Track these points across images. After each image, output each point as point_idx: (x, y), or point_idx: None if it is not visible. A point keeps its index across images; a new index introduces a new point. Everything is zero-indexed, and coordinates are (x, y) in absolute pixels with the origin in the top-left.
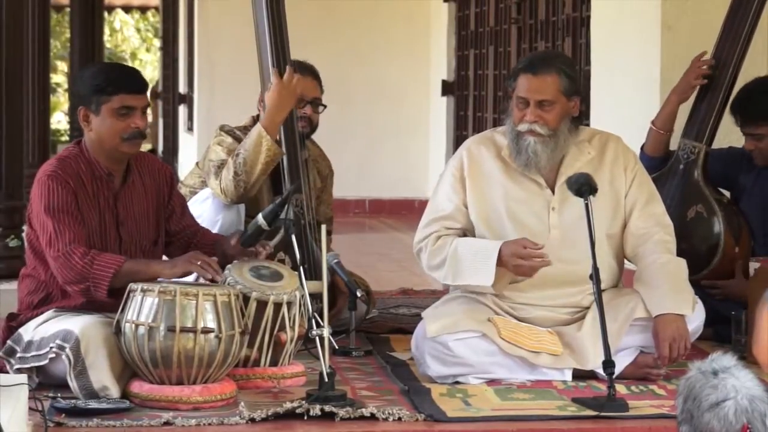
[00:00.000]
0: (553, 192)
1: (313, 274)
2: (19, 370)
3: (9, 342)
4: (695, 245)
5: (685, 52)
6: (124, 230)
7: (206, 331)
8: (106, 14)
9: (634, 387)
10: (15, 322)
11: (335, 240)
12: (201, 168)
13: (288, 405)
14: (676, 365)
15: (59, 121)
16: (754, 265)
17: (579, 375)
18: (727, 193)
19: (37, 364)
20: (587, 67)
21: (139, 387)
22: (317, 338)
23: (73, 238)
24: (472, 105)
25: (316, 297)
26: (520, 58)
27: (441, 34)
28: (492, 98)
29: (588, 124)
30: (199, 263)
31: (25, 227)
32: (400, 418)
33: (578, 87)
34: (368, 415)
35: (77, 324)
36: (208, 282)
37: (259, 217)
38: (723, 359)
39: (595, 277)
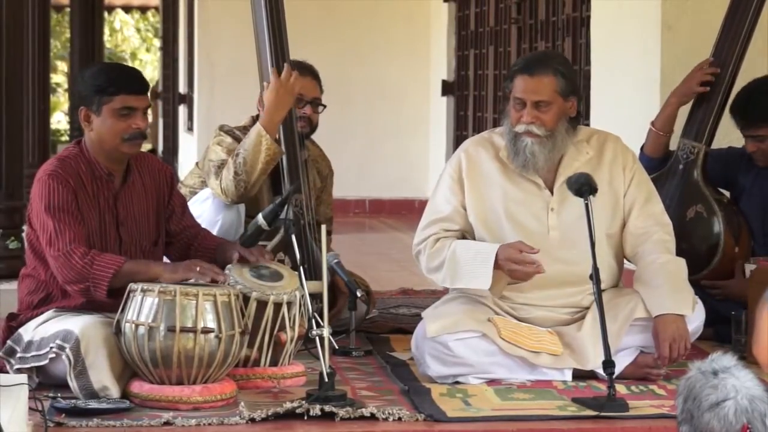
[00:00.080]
0: (551, 193)
1: (313, 274)
2: (19, 370)
3: (9, 342)
4: (695, 245)
5: (685, 52)
6: (124, 230)
7: (206, 331)
8: (106, 14)
9: (634, 387)
10: (15, 322)
11: (335, 240)
12: (201, 168)
13: (288, 405)
14: (676, 365)
15: (59, 121)
16: (750, 267)
17: (579, 375)
18: (726, 193)
19: (37, 364)
20: (587, 67)
21: (139, 387)
22: (317, 338)
23: (73, 237)
24: (472, 105)
25: (316, 297)
26: (519, 58)
27: (441, 34)
28: (492, 98)
29: (588, 124)
30: (199, 269)
31: (25, 227)
32: (400, 418)
33: (575, 87)
34: (368, 415)
35: (77, 324)
36: (208, 282)
37: (259, 217)
38: (723, 359)
39: (595, 277)
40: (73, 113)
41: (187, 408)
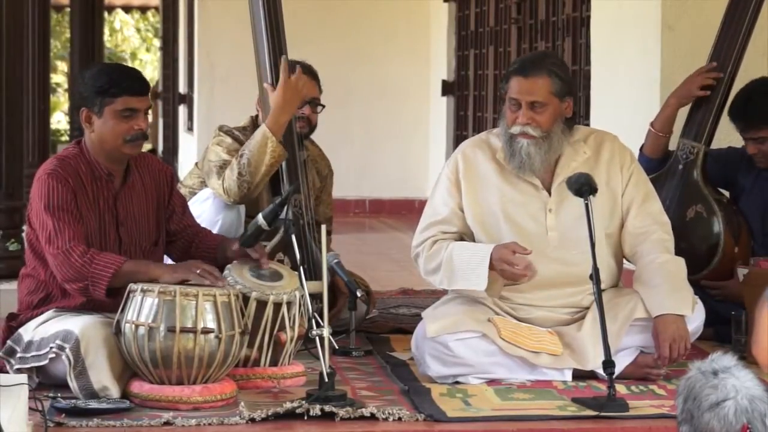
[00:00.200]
0: (549, 193)
1: (313, 274)
2: (19, 370)
3: (9, 342)
4: (695, 245)
5: (685, 53)
6: (123, 231)
7: (206, 331)
8: (106, 14)
9: (634, 387)
10: (15, 322)
11: (335, 240)
12: (200, 168)
13: (288, 405)
14: (676, 365)
15: (59, 121)
16: (742, 271)
17: (579, 375)
18: (726, 193)
19: (37, 364)
20: (587, 67)
21: (139, 387)
22: (317, 338)
23: (72, 236)
24: (472, 105)
25: (316, 297)
26: (515, 59)
27: (441, 34)
28: (492, 98)
29: (588, 124)
30: (198, 271)
31: (25, 227)
32: (400, 418)
33: (571, 88)
34: (368, 415)
35: (77, 324)
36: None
37: (259, 217)
38: (723, 359)
39: (595, 277)
40: (73, 113)
41: (187, 408)
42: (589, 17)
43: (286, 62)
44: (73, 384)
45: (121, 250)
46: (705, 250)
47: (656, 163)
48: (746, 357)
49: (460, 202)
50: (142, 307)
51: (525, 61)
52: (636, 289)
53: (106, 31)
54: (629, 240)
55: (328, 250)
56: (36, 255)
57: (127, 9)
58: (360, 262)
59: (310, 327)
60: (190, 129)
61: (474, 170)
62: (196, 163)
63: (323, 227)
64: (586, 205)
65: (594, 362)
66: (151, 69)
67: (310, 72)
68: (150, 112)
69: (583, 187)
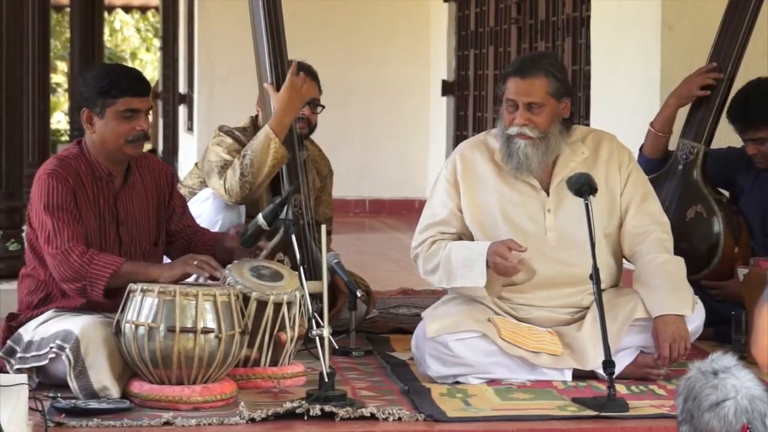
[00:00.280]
0: (547, 194)
1: (313, 274)
2: (19, 370)
3: (9, 342)
4: (695, 245)
5: (685, 53)
6: (124, 231)
7: (206, 331)
8: (106, 14)
9: (634, 387)
10: (15, 322)
11: (335, 240)
12: (200, 168)
13: (288, 405)
14: (676, 365)
15: (59, 121)
16: (742, 271)
17: (579, 375)
18: (726, 193)
19: (37, 364)
20: (587, 67)
21: (139, 387)
22: (317, 338)
23: (71, 235)
24: (472, 105)
25: (316, 297)
26: (513, 59)
27: (441, 34)
28: (492, 98)
29: (588, 124)
30: (195, 263)
31: (25, 227)
32: (400, 418)
33: (568, 88)
34: (368, 415)
35: (77, 324)
36: (208, 281)
37: (259, 217)
38: (723, 359)
39: (595, 277)
40: (73, 113)
41: (187, 408)
42: (589, 17)
43: (294, 65)
44: (73, 384)
45: (121, 250)
46: (705, 250)
47: (656, 163)
48: (746, 357)
49: (459, 202)
50: (142, 307)
51: (522, 61)
52: (636, 289)
53: (106, 31)
54: (628, 240)
55: (328, 250)
56: (36, 255)
57: (127, 9)
58: (360, 262)
59: (310, 327)
60: (190, 129)
61: (472, 171)
62: (196, 164)
63: (323, 227)
64: (586, 205)
65: (594, 362)
66: (151, 69)
67: (310, 72)
68: (150, 112)
69: (583, 187)
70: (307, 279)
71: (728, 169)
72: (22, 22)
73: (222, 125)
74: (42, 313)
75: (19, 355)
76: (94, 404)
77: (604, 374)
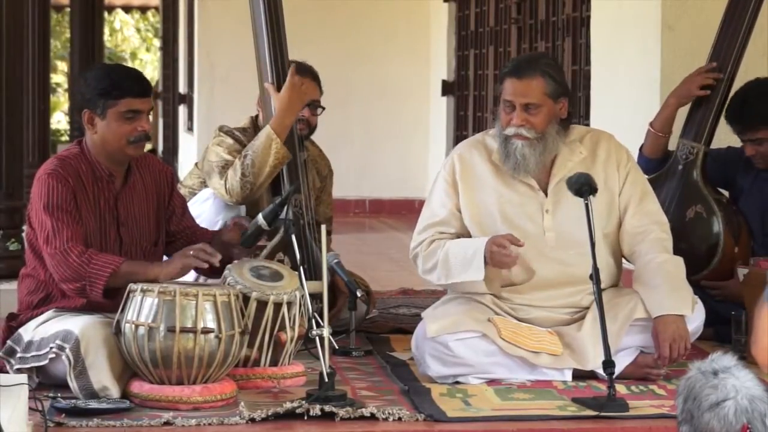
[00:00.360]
0: (546, 194)
1: (313, 274)
2: (19, 370)
3: (9, 342)
4: (695, 245)
5: (685, 53)
6: (124, 231)
7: (206, 331)
8: (106, 14)
9: (634, 387)
10: (15, 322)
11: (335, 240)
12: (200, 169)
13: (288, 405)
14: (676, 365)
15: (59, 121)
16: (742, 271)
17: (579, 375)
18: (725, 193)
19: (37, 364)
20: (587, 67)
21: (139, 387)
22: (317, 338)
23: (71, 236)
24: (472, 105)
25: (316, 297)
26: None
27: (441, 34)
28: (492, 98)
29: (588, 124)
30: (191, 252)
31: (25, 227)
32: (400, 418)
33: (565, 89)
34: (368, 415)
35: (77, 324)
36: (207, 272)
37: (259, 217)
38: (723, 359)
39: (595, 277)
40: (73, 113)
41: (187, 408)
42: (589, 17)
43: (294, 66)
44: (73, 384)
45: (121, 250)
46: (705, 250)
47: (656, 163)
48: (746, 357)
49: (458, 203)
50: (142, 307)
51: (518, 62)
52: (636, 289)
53: (106, 31)
54: (627, 239)
55: (328, 250)
56: (36, 255)
57: (127, 9)
58: (360, 262)
59: (310, 327)
60: (190, 129)
61: (470, 171)
62: (196, 164)
63: (323, 227)
64: (586, 206)
65: (594, 362)
66: (151, 69)
67: (311, 73)
68: (151, 113)
69: (583, 187)
70: (307, 279)
71: (728, 169)
72: (22, 22)
73: (222, 125)
74: (42, 313)
75: (19, 355)
76: (94, 404)
77: (604, 374)
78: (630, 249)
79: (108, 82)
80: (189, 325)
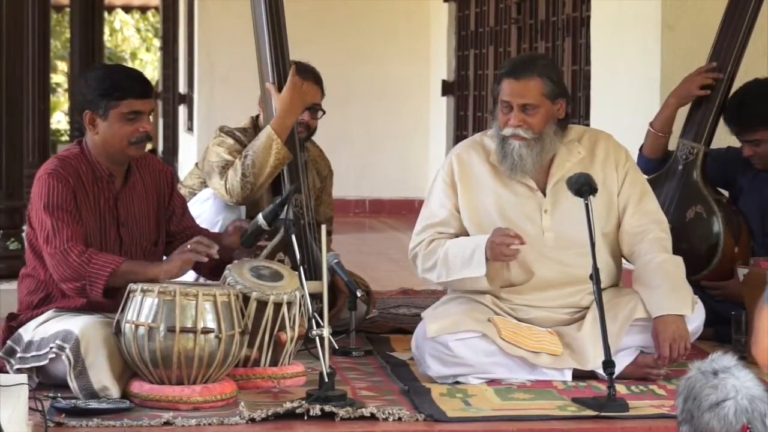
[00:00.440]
0: (544, 194)
1: (313, 274)
2: (19, 370)
3: (9, 342)
4: (695, 246)
5: (685, 52)
6: (124, 231)
7: (206, 331)
8: (106, 14)
9: (634, 387)
10: (15, 322)
11: (335, 240)
12: (200, 169)
13: (288, 405)
14: (676, 365)
15: (59, 121)
16: (742, 271)
17: (579, 375)
18: (725, 193)
19: (37, 364)
20: (587, 67)
21: (139, 387)
22: (317, 338)
23: (71, 235)
24: (472, 105)
25: (316, 297)
26: (507, 60)
27: (441, 34)
28: (492, 98)
29: (588, 124)
30: (189, 247)
31: (25, 227)
32: (400, 418)
33: (562, 89)
34: (368, 415)
35: (77, 324)
36: (207, 272)
37: (259, 217)
38: (723, 359)
39: (595, 277)
40: (73, 113)
41: (187, 408)
42: (589, 17)
43: (294, 66)
44: (73, 384)
45: (121, 250)
46: (705, 250)
47: (656, 163)
48: (746, 357)
49: (457, 203)
50: (142, 307)
51: (516, 62)
52: (636, 289)
53: (106, 31)
54: (627, 239)
55: (328, 250)
56: (36, 255)
57: (127, 9)
58: (360, 262)
59: (310, 327)
60: (190, 129)
61: (469, 172)
62: (197, 164)
63: (323, 227)
64: (587, 206)
65: (594, 362)
66: (151, 69)
67: (313, 76)
68: (152, 113)
69: (584, 187)
70: (307, 279)
71: (728, 169)
72: (22, 22)
73: (222, 126)
74: (42, 313)
75: (19, 355)
76: (94, 404)
77: (604, 374)
78: (629, 249)
79: (109, 83)
80: (189, 325)
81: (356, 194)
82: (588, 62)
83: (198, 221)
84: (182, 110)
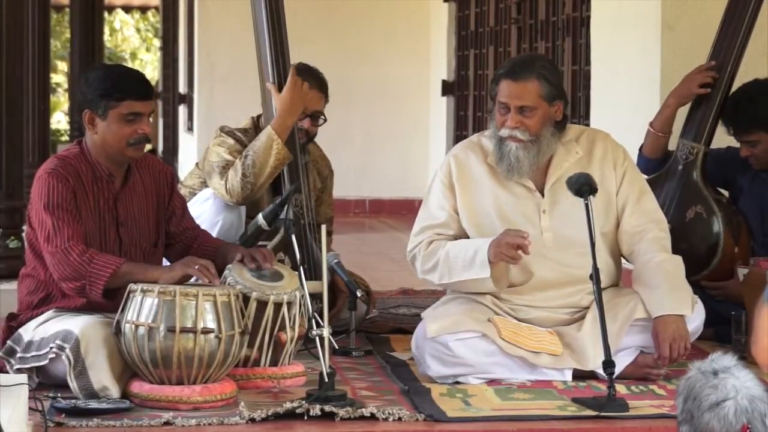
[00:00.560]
0: (542, 195)
1: (313, 274)
2: (19, 370)
3: (9, 342)
4: (695, 246)
5: (685, 52)
6: (124, 231)
7: (206, 331)
8: (106, 14)
9: (634, 387)
10: (15, 322)
11: (335, 240)
12: (201, 169)
13: (288, 405)
14: (676, 365)
15: (59, 121)
16: (742, 271)
17: (579, 375)
18: (725, 193)
19: (37, 364)
20: (587, 67)
21: (139, 387)
22: (317, 338)
23: (71, 235)
24: (472, 105)
25: (316, 297)
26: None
27: (441, 34)
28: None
29: (588, 124)
30: (196, 267)
31: (25, 227)
32: (400, 418)
33: (560, 91)
34: (368, 415)
35: (77, 324)
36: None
37: (259, 217)
38: (723, 359)
39: (595, 277)
40: (73, 113)
41: (187, 408)
42: (589, 17)
43: (294, 66)
44: (73, 384)
45: (121, 250)
46: (705, 250)
47: (656, 163)
48: (746, 357)
49: (455, 204)
50: (142, 307)
51: (515, 64)
52: (635, 289)
53: (106, 31)
54: (626, 239)
55: (329, 250)
56: (36, 255)
57: (127, 9)
58: (360, 262)
59: (310, 327)
60: (190, 129)
61: (467, 173)
62: (197, 164)
63: (323, 227)
64: (586, 206)
65: (594, 362)
66: (151, 69)
67: (318, 82)
68: (152, 114)
69: (583, 187)
70: (307, 279)
71: (728, 169)
72: (22, 22)
73: (223, 126)
74: (42, 313)
75: (19, 355)
76: (94, 404)
77: (604, 374)
78: (629, 248)
79: (110, 83)
80: (189, 325)
81: (356, 194)
82: (588, 62)
83: (198, 221)
84: (182, 110)
